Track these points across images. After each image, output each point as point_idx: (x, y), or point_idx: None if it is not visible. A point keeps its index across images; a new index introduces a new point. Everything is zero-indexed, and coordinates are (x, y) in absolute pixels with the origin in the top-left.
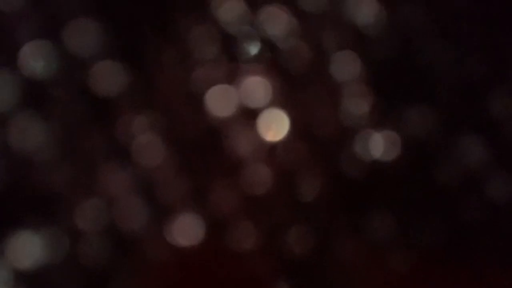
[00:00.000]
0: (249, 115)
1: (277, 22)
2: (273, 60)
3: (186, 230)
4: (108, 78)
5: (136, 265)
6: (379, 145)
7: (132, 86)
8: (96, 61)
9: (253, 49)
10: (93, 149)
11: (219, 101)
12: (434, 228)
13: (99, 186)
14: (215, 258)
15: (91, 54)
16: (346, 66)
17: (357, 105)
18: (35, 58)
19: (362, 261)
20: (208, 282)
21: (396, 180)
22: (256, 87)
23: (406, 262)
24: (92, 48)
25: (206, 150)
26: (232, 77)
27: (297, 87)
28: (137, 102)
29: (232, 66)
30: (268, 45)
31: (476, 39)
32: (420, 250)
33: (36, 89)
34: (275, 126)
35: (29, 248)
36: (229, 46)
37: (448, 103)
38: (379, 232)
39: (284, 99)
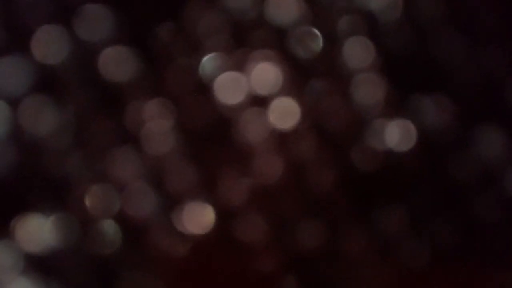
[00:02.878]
0: (259, 103)
1: (287, 9)
2: (283, 47)
3: (195, 219)
4: (119, 64)
5: (145, 251)
6: (393, 135)
7: (142, 72)
8: (107, 47)
9: (263, 36)
10: (103, 135)
11: (229, 89)
12: (448, 223)
13: (109, 172)
14: (224, 247)
15: (102, 40)
16: (358, 53)
17: (370, 93)
18: (46, 44)
19: (373, 256)
20: (216, 271)
21: (410, 172)
22: (266, 74)
23: (418, 258)
24: (103, 34)
25: (215, 138)
26: (241, 65)
27: (308, 74)
28: (147, 89)
29: (241, 53)
30: (278, 32)
31: (493, 28)
32: (433, 246)
33: (48, 74)
34: (286, 114)
35: (39, 232)
36: (239, 33)
37: (465, 93)
38: (391, 226)
39: (295, 87)
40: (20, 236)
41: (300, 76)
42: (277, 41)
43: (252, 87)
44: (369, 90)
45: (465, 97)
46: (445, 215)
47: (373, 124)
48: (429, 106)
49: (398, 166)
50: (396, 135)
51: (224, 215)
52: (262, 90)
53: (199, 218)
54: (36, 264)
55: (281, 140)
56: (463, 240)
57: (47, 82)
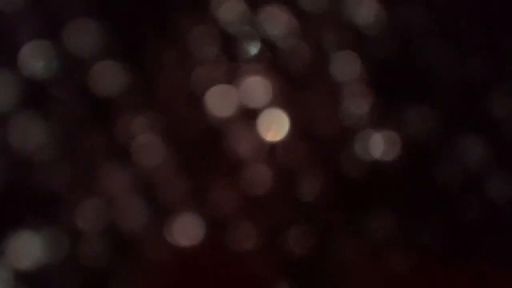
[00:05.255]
0: (249, 115)
1: (277, 22)
2: (273, 60)
3: (186, 230)
4: (108, 78)
5: (136, 265)
6: (379, 145)
7: (132, 86)
8: (96, 61)
9: (253, 49)
10: (93, 149)
11: (219, 101)
12: (434, 228)
13: (99, 186)
14: (215, 258)
15: (91, 54)
16: (346, 66)
17: (357, 105)
18: (35, 58)
19: (362, 261)
20: (208, 282)
21: (396, 180)
22: (256, 87)
23: (406, 262)
24: (92, 48)
25: (206, 150)
26: (232, 77)
27: (297, 87)
28: (137, 102)
29: (232, 66)
30: (268, 45)
31: (476, 39)
32: (420, 250)
33: (36, 89)
34: (275, 126)
35: (29, 248)
36: (229, 46)
37: (448, 103)
38: (379, 232)
39: (284, 99)
40: (10, 252)
41: (289, 88)
42: (267, 54)
43: (243, 100)
44: (356, 101)
45: (448, 107)
46: (431, 219)
47: (360, 134)
48: (413, 116)
49: (384, 174)
50: (382, 144)
51: (215, 226)
52: (252, 102)
53: (190, 229)
54: (27, 280)
55: (271, 150)
56: (449, 242)
57: (36, 97)
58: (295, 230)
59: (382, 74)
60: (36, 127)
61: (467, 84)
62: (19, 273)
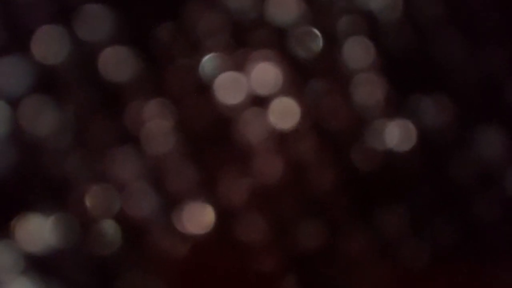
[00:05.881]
0: (259, 103)
1: (287, 9)
2: (283, 47)
3: (195, 219)
4: (119, 64)
5: (145, 251)
6: (393, 135)
7: (143, 73)
8: (107, 47)
9: (263, 36)
10: (103, 135)
11: (229, 89)
12: (448, 223)
13: (109, 172)
14: (224, 247)
15: (102, 40)
16: (358, 53)
17: (370, 93)
18: (47, 44)
19: (373, 256)
20: (216, 271)
21: (410, 172)
22: (266, 74)
23: (418, 258)
24: (103, 34)
25: (215, 138)
26: (242, 65)
27: (308, 75)
28: (147, 89)
29: (242, 53)
30: (279, 32)
31: (493, 28)
32: (433, 246)
33: (48, 74)
34: (286, 115)
35: (39, 232)
36: (239, 34)
37: (465, 93)
38: (391, 226)
39: (295, 87)
40: (20, 236)
41: (300, 76)
42: (277, 41)
43: (252, 87)
44: (369, 90)
45: (465, 97)
46: (445, 215)
47: (373, 124)
48: (429, 106)
49: (398, 166)
50: (396, 135)
51: (224, 215)
52: (262, 90)
53: (199, 218)
54: (36, 264)
55: (281, 140)
56: (463, 240)
57: (47, 82)
58: (304, 223)
59: (396, 62)
60: (47, 112)
61: (484, 73)
62: (29, 257)
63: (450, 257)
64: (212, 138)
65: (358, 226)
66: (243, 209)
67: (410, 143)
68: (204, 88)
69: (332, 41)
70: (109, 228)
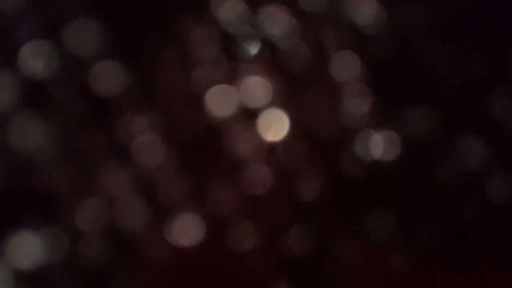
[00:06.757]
0: (249, 115)
1: (277, 22)
2: (273, 60)
3: (186, 230)
4: (108, 78)
5: (136, 265)
6: (379, 145)
7: (132, 86)
8: (96, 61)
9: (253, 49)
10: (93, 149)
11: (219, 101)
12: (434, 228)
13: (99, 186)
14: (215, 258)
15: (91, 54)
16: (346, 66)
17: (357, 105)
18: (35, 58)
19: (362, 261)
20: (208, 282)
21: (396, 180)
22: (256, 87)
23: (406, 262)
24: (92, 48)
25: (206, 150)
26: (232, 77)
27: (297, 87)
28: (137, 102)
29: (232, 66)
30: (268, 45)
31: (476, 39)
32: (420, 250)
33: (36, 89)
34: (275, 126)
35: (29, 248)
36: (229, 46)
37: (448, 103)
38: (379, 232)
39: (284, 99)
40: (10, 252)
41: (289, 88)
42: (267, 54)
43: (243, 100)
44: (356, 101)
45: (449, 107)
46: (430, 219)
47: (360, 134)
48: (413, 116)
49: (385, 174)
50: (382, 144)
51: (215, 226)
52: (252, 102)
53: (190, 229)
54: (27, 280)
55: (271, 150)
56: (449, 243)
57: (35, 97)
58: (295, 230)
59: (382, 74)
60: (36, 127)
61: (468, 84)
62: (18, 273)
63: (437, 260)
64: (202, 149)
65: (347, 231)
66: (234, 219)
67: (395, 152)
68: (194, 100)
69: (321, 54)
70: (100, 241)
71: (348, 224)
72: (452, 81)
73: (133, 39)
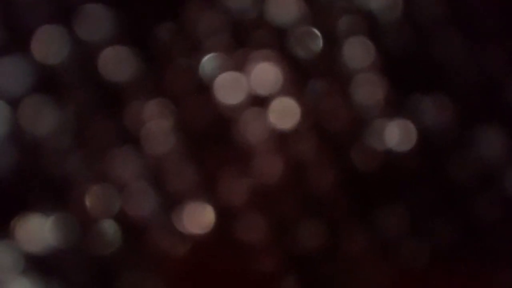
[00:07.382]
0: (259, 103)
1: (287, 9)
2: (283, 47)
3: (195, 218)
4: (119, 64)
5: (145, 251)
6: (393, 135)
7: (142, 72)
8: (107, 47)
9: (263, 36)
10: (103, 135)
11: (229, 89)
12: (447, 223)
13: (109, 172)
14: (224, 247)
15: (102, 40)
16: (358, 53)
17: (370, 93)
18: (47, 44)
19: (372, 256)
20: (216, 271)
21: (409, 173)
22: (266, 74)
23: (417, 258)
24: (103, 34)
25: (215, 138)
26: (241, 64)
27: (308, 74)
28: (147, 89)
29: (241, 53)
30: (278, 31)
31: (493, 28)
32: (433, 246)
33: (48, 74)
34: (286, 114)
35: (39, 232)
36: (239, 33)
37: (464, 93)
38: (391, 226)
39: (295, 87)
40: (20, 236)
41: (300, 76)
42: (277, 41)
43: (252, 87)
44: (369, 90)
45: (465, 97)
46: (445, 214)
47: (373, 124)
48: (428, 106)
49: (398, 166)
50: (396, 135)
51: (224, 215)
52: (262, 90)
53: (199, 218)
54: (36, 264)
55: (281, 140)
56: (463, 239)
57: (47, 82)
58: (304, 222)
59: (396, 62)
60: (47, 112)
61: (484, 73)
62: (29, 257)
63: (450, 256)
64: (212, 138)
65: (358, 226)
66: (243, 209)
67: (410, 143)
68: (204, 88)
69: (332, 41)
70: (109, 228)
71: (359, 218)
72: (468, 70)
73: (144, 25)
